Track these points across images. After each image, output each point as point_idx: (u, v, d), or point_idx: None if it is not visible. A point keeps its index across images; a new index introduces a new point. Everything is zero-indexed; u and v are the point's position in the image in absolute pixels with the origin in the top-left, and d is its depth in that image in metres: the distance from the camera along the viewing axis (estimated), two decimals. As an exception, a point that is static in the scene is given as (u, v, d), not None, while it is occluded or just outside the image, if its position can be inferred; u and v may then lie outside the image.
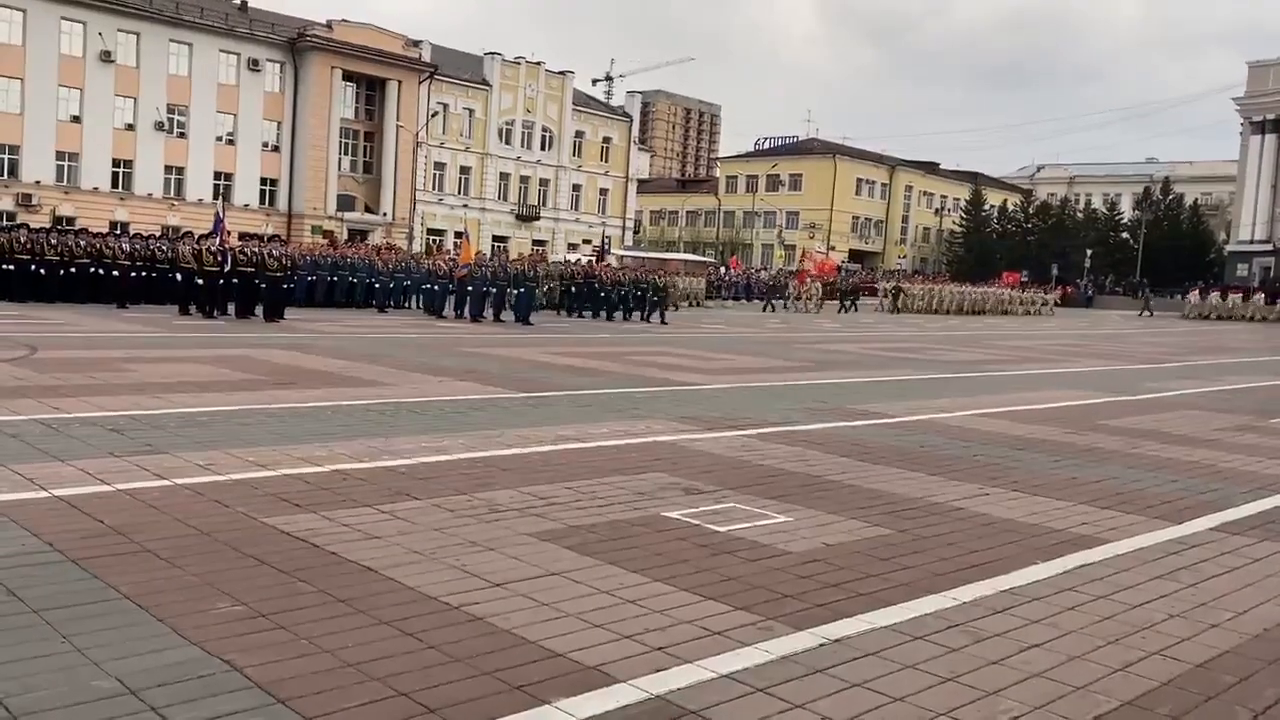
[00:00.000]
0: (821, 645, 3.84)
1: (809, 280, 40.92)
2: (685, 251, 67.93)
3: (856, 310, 41.22)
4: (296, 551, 4.65)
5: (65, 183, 45.56)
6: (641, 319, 26.74)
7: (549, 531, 5.22)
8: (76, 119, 45.71)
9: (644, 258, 44.81)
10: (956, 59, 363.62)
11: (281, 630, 3.70)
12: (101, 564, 4.32)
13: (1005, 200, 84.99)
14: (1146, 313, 52.15)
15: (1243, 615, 4.45)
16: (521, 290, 23.56)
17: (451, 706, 3.15)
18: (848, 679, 3.52)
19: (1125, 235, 77.81)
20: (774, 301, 40.95)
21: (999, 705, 3.37)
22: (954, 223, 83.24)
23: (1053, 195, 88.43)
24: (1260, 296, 53.50)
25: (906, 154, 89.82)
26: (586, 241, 63.05)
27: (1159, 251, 70.83)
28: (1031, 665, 3.73)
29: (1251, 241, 69.14)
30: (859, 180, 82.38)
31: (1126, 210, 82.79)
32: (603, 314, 27.09)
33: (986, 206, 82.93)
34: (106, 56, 45.67)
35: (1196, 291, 55.95)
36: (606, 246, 54.59)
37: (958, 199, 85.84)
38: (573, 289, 27.74)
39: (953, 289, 46.74)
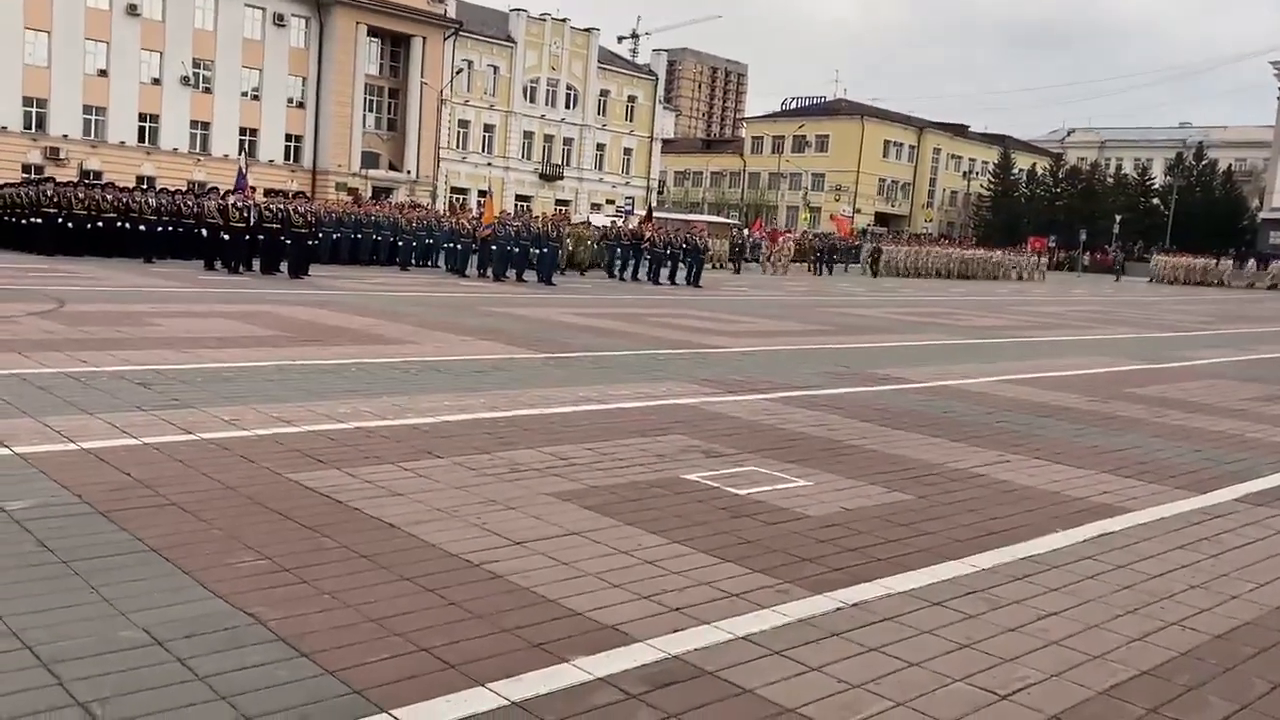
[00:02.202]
0: (839, 609, 3.85)
1: (780, 240, 38.86)
2: (709, 213, 67.55)
3: (830, 274, 39.10)
4: (320, 507, 4.70)
5: (92, 137, 45.71)
6: (687, 282, 26.23)
7: (569, 491, 5.25)
8: (103, 73, 45.77)
9: (668, 219, 44.35)
10: (989, 18, 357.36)
11: (305, 585, 3.75)
12: (129, 516, 4.39)
13: (1034, 164, 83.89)
14: (1155, 280, 52.98)
15: (1264, 587, 4.43)
16: (544, 250, 23.52)
17: (471, 662, 3.19)
18: (864, 643, 3.54)
19: (1156, 201, 76.73)
20: (744, 263, 37.87)
21: (1015, 672, 3.38)
22: (982, 186, 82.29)
23: (1083, 159, 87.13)
24: (1252, 263, 53.02)
25: (935, 116, 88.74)
26: (610, 201, 62.83)
27: (1190, 218, 69.81)
28: (1049, 633, 3.73)
29: (1286, 209, 67.96)
30: (886, 142, 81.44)
31: (1158, 176, 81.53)
32: (649, 276, 26.40)
33: (1015, 170, 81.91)
34: (133, 10, 45.60)
35: (1165, 255, 56.28)
36: (631, 207, 54.36)
37: (986, 162, 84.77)
38: (618, 250, 27.52)
39: (938, 251, 44.25)
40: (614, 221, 34.33)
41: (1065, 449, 7.25)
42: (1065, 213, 74.29)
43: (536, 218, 27.50)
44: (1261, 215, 71.83)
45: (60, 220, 21.24)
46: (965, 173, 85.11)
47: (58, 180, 24.53)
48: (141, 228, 21.68)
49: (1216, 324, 23.74)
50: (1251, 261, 53.89)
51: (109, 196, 22.24)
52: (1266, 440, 8.14)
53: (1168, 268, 53.13)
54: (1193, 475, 6.64)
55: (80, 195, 21.95)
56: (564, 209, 51.14)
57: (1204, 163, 78.46)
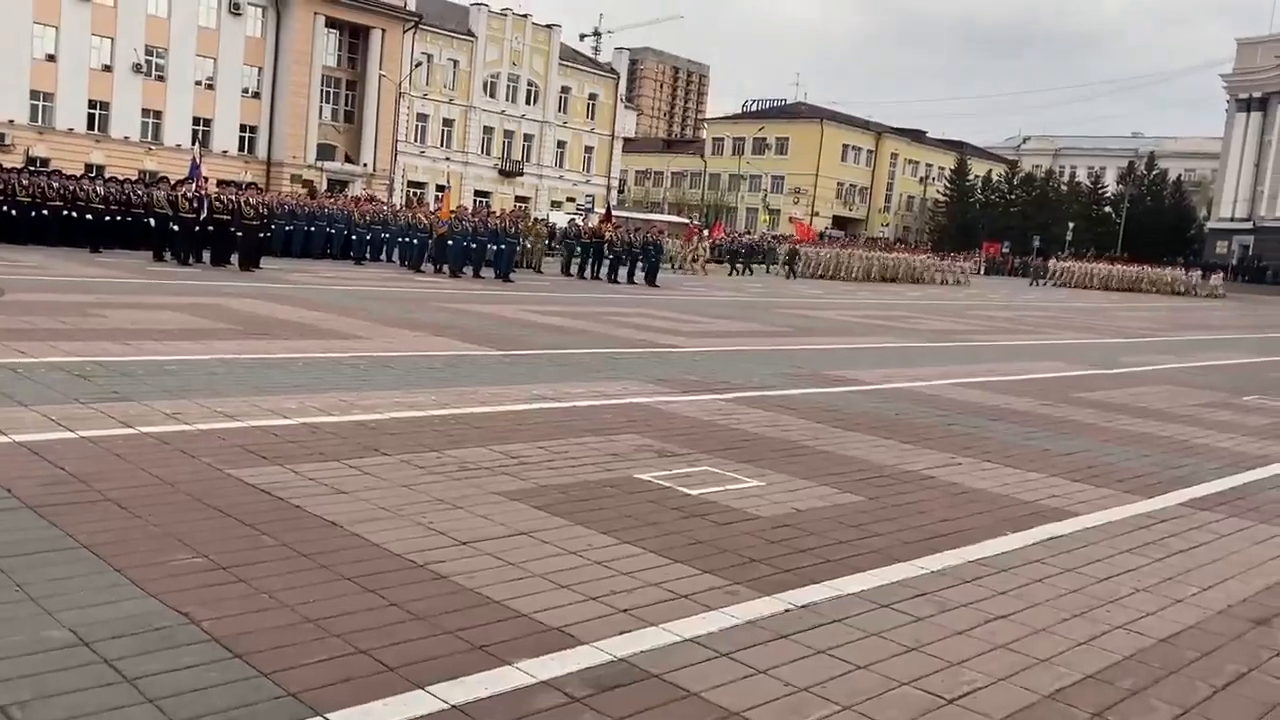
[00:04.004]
0: (788, 611, 3.82)
1: (695, 239, 37.49)
2: (670, 213, 67.61)
3: (751, 274, 38.21)
4: (261, 504, 4.59)
5: (39, 123, 44.66)
6: (646, 281, 26.00)
7: (519, 491, 5.17)
8: (51, 58, 44.74)
9: (627, 218, 44.09)
10: (951, 23, 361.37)
11: (242, 584, 3.64)
12: (60, 512, 4.25)
13: (990, 170, 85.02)
14: (1039, 282, 54.06)
15: (1207, 591, 4.47)
16: (502, 246, 23.36)
17: (411, 665, 3.11)
18: (812, 646, 3.50)
19: (1108, 209, 78.16)
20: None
21: (962, 676, 3.36)
22: (938, 192, 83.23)
23: (1038, 167, 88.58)
24: (1195, 274, 54.43)
25: (895, 120, 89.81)
26: (570, 199, 62.64)
27: (1141, 226, 71.22)
28: (996, 636, 3.73)
29: (1232, 219, 69.64)
30: (845, 146, 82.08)
31: (1111, 184, 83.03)
32: (611, 274, 26.09)
33: (971, 176, 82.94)
34: (83, -6, 44.66)
35: (1053, 259, 57.95)
36: (591, 205, 54.20)
37: (943, 168, 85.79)
38: (577, 249, 27.34)
39: (861, 254, 42.26)
40: (573, 219, 34.13)
41: (1016, 452, 7.30)
42: (1020, 219, 75.39)
43: (493, 213, 27.33)
44: (1209, 225, 73.44)
45: (3, 207, 20.69)
46: (922, 178, 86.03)
47: (2, 166, 23.88)
48: (89, 217, 21.21)
49: (1165, 331, 24.16)
50: (1218, 276, 55.32)
51: (55, 184, 21.72)
52: (1211, 445, 8.26)
53: (1076, 274, 53.59)
54: (1140, 480, 6.71)
55: (25, 182, 21.42)
56: (523, 205, 50.96)
57: (1155, 172, 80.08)
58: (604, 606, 3.71)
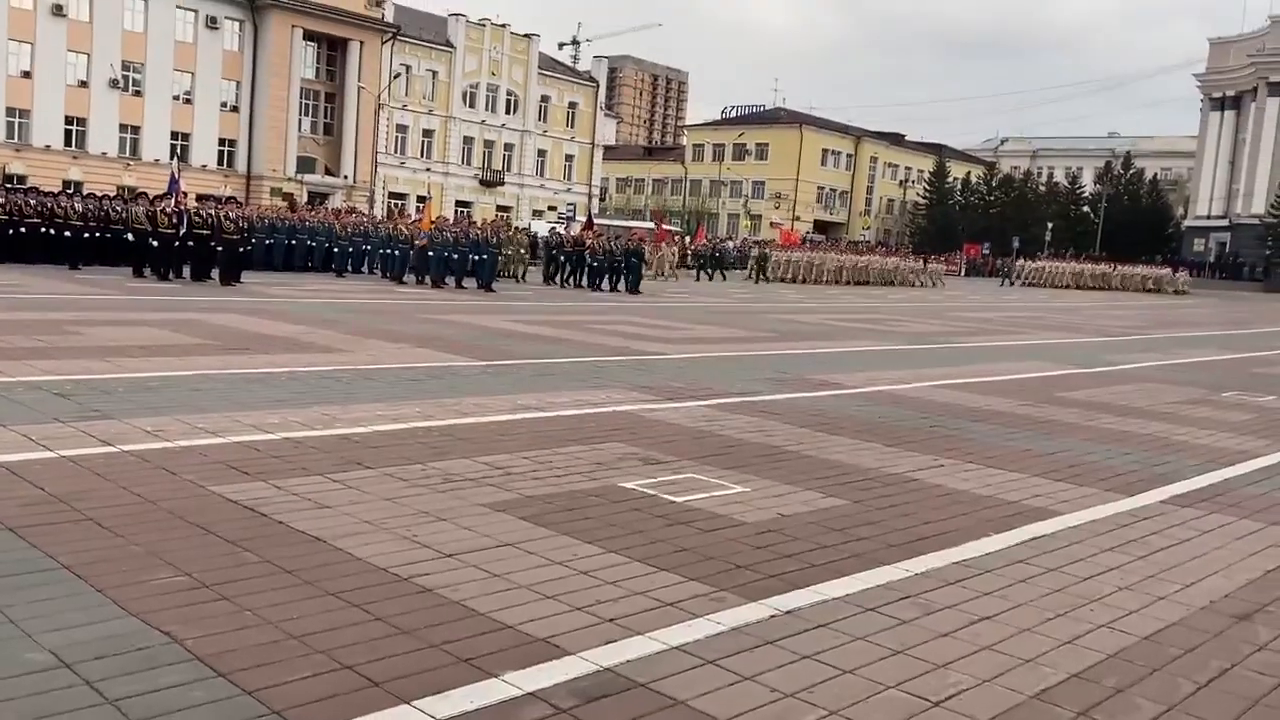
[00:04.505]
0: (773, 616, 3.83)
1: (664, 244, 36.92)
2: (651, 221, 67.62)
3: (725, 279, 37.65)
4: (243, 521, 4.56)
5: (16, 140, 44.43)
6: (628, 290, 26.05)
7: (504, 502, 5.16)
8: (27, 74, 44.54)
9: (608, 225, 43.93)
10: (928, 27, 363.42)
11: (225, 601, 3.62)
12: (40, 533, 4.21)
13: (969, 172, 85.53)
14: (1009, 282, 54.11)
15: (1190, 588, 4.50)
16: (484, 256, 23.33)
17: (397, 680, 3.10)
18: (798, 651, 3.51)
19: (1086, 209, 78.74)
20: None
21: (947, 678, 3.38)
22: (918, 194, 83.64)
23: (1016, 168, 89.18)
24: (1167, 270, 55.27)
25: (874, 124, 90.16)
26: (551, 208, 62.63)
27: (1118, 225, 71.73)
28: (981, 638, 3.74)
29: (1209, 217, 70.30)
30: (825, 151, 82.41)
31: (1088, 184, 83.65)
32: (596, 282, 26.02)
33: (950, 179, 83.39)
34: (58, 10, 44.47)
35: (1024, 259, 58.37)
36: (573, 214, 54.24)
37: (922, 171, 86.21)
38: (561, 258, 27.35)
39: (833, 257, 42.11)
40: (555, 228, 34.11)
41: (998, 453, 7.33)
42: (999, 220, 75.82)
43: (475, 223, 27.30)
44: (1186, 223, 74.11)
45: (-20, 226, 20.54)
46: (901, 181, 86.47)
47: (-22, 184, 23.73)
48: (67, 234, 21.08)
49: (1145, 329, 24.33)
50: (1184, 272, 56.03)
51: (32, 201, 21.58)
52: (1191, 443, 8.33)
53: (1045, 273, 54.06)
54: (1121, 478, 6.75)
55: (2, 200, 21.27)
56: (504, 215, 50.90)
57: (1131, 172, 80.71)
58: (590, 616, 3.71)
